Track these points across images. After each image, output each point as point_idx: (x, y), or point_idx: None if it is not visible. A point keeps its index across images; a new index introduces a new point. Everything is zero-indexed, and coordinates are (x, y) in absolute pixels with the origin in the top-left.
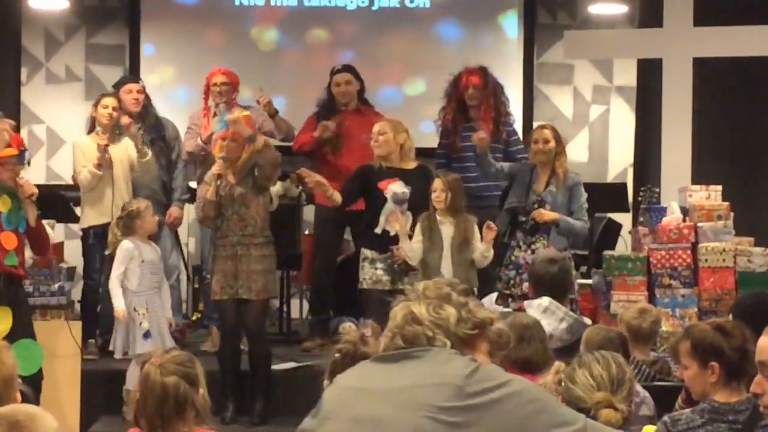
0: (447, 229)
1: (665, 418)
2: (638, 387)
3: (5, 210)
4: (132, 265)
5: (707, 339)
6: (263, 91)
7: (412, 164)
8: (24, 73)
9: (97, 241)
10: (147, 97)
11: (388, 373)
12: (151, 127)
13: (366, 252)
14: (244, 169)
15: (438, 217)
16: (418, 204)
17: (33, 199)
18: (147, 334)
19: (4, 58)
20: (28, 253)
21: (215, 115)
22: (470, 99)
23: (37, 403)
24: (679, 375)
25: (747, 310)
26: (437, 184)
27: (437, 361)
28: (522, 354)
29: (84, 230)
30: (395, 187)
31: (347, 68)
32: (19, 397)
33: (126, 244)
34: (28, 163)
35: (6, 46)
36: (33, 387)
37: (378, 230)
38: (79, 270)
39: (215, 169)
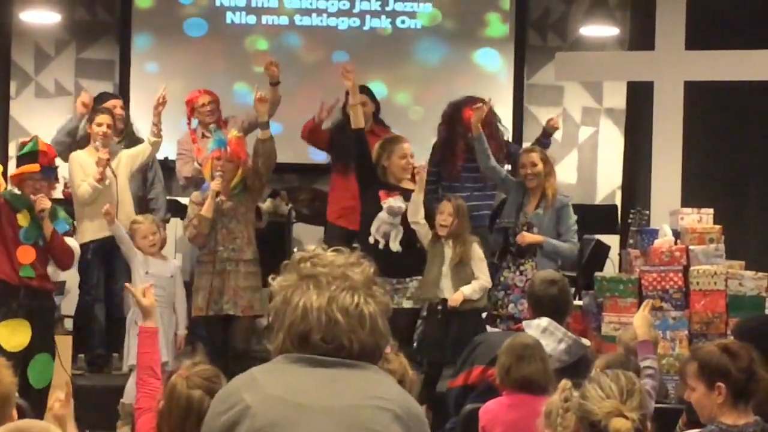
0: (447, 251)
1: None
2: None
3: (25, 224)
4: (136, 276)
5: (714, 360)
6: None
7: (411, 186)
8: (13, 86)
9: (95, 256)
10: (126, 114)
11: (324, 385)
12: (131, 144)
13: None
14: (236, 188)
15: (443, 240)
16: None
17: (44, 214)
18: None
19: None
20: (51, 269)
21: (204, 136)
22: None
23: (36, 416)
24: (686, 397)
25: (750, 333)
26: (445, 207)
27: (370, 378)
28: (522, 373)
29: (82, 245)
30: (393, 201)
31: (363, 89)
32: (15, 414)
33: (139, 254)
34: (56, 179)
35: None
36: (40, 401)
37: (371, 239)
38: (69, 285)
39: (214, 186)
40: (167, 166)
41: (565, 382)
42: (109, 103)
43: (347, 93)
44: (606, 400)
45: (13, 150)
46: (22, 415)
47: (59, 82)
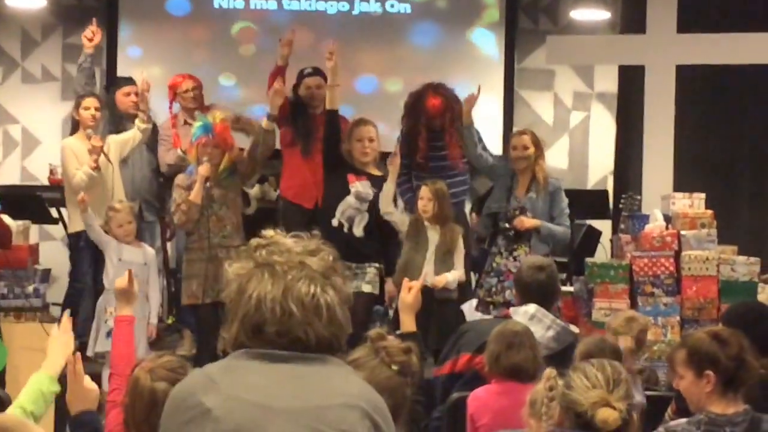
0: (433, 236)
1: (660, 429)
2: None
3: None
4: (109, 263)
5: (703, 347)
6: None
7: (378, 172)
8: (0, 72)
9: (87, 245)
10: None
11: (287, 384)
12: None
13: None
14: (223, 173)
15: (425, 223)
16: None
17: None
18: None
19: None
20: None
21: (185, 123)
22: (435, 120)
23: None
24: (675, 385)
25: (739, 319)
26: (424, 192)
27: (333, 374)
28: (511, 361)
29: (74, 234)
30: (361, 186)
31: (317, 71)
32: None
33: (112, 241)
34: None
35: None
36: None
37: (334, 221)
38: (55, 272)
39: (203, 171)
40: None
41: (550, 371)
42: (125, 89)
43: (300, 73)
44: (592, 389)
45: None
46: (2, 406)
47: (46, 67)
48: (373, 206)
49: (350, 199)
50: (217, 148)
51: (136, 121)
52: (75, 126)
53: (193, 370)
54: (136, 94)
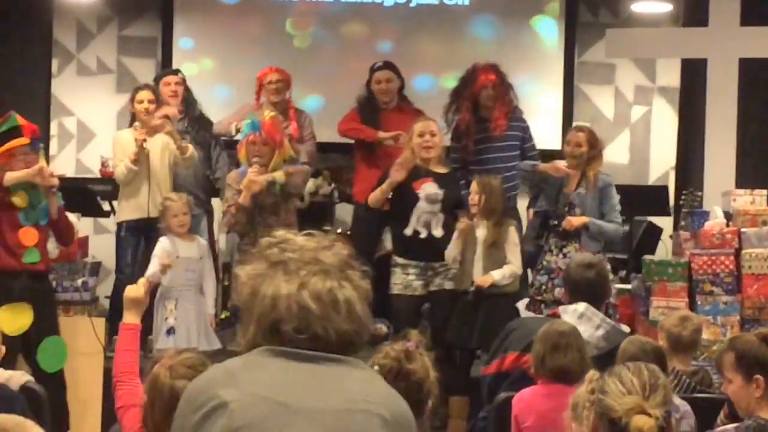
0: (481, 232)
1: None
2: (678, 400)
3: (23, 206)
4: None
5: (752, 351)
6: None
7: (444, 169)
8: (55, 64)
9: (129, 236)
10: (188, 90)
11: (309, 384)
12: (194, 121)
13: (396, 258)
14: (276, 170)
15: (475, 219)
16: (453, 209)
17: (54, 190)
18: (171, 331)
19: (35, 50)
20: (51, 245)
21: None
22: (486, 99)
23: (57, 402)
24: (723, 389)
25: None
26: (473, 186)
27: (359, 377)
28: (557, 363)
29: (118, 224)
30: (429, 188)
31: (388, 65)
32: None
33: (161, 241)
34: (44, 152)
35: (37, 38)
36: (57, 385)
37: (409, 230)
38: (106, 265)
39: (252, 174)
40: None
41: (593, 373)
42: (165, 80)
43: (371, 68)
44: (627, 395)
45: (55, 129)
46: (39, 401)
47: (101, 59)
48: (445, 203)
49: (422, 205)
50: (266, 145)
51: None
52: (132, 118)
53: (213, 365)
54: (177, 83)
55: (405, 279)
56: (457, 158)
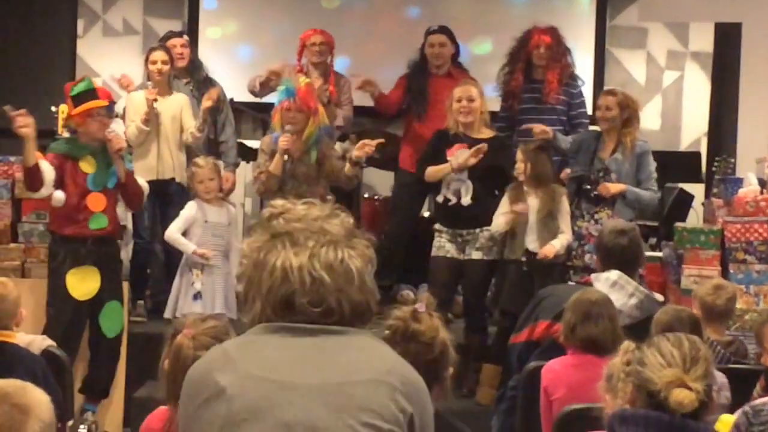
0: (533, 201)
1: (746, 407)
2: (715, 372)
3: (91, 171)
4: (194, 227)
5: None
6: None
7: (486, 134)
8: (80, 25)
9: (147, 199)
10: (193, 52)
11: (309, 358)
12: (201, 84)
13: (436, 225)
14: (309, 142)
15: (525, 188)
16: (494, 176)
17: (122, 153)
18: (197, 296)
19: (60, 10)
20: (121, 209)
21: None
22: (539, 59)
23: (108, 366)
24: (763, 360)
25: None
26: (518, 154)
27: (362, 346)
28: (588, 332)
29: None
30: (459, 155)
31: (443, 29)
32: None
33: (190, 205)
34: (117, 116)
35: None
36: (113, 350)
37: (440, 198)
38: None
39: (283, 143)
40: (234, 108)
41: (628, 344)
42: (171, 42)
43: (426, 32)
44: (667, 368)
45: None
46: (60, 365)
47: (127, 20)
48: (478, 173)
49: (451, 173)
50: (301, 112)
51: (194, 126)
52: (147, 79)
53: (213, 347)
54: (182, 45)
55: (440, 242)
56: (505, 117)
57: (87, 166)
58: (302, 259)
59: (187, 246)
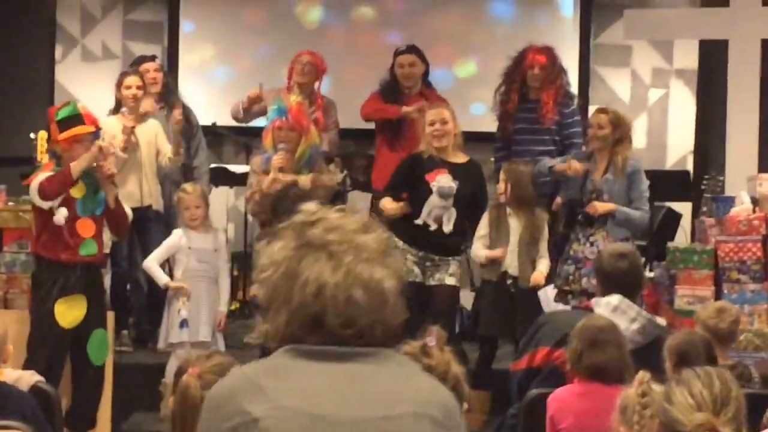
0: (514, 223)
1: None
2: None
3: (80, 196)
4: (179, 254)
5: None
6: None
7: (461, 158)
8: (59, 50)
9: None
10: (166, 77)
11: (345, 388)
12: (173, 109)
13: (397, 241)
14: (301, 161)
15: (507, 209)
16: (468, 202)
17: (113, 179)
18: (184, 323)
19: (38, 35)
20: (106, 236)
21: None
22: (533, 80)
23: (93, 396)
24: None
25: None
26: (501, 174)
27: (399, 374)
28: (595, 360)
29: None
30: (442, 180)
31: (412, 49)
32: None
33: (175, 233)
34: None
35: (40, 23)
36: (99, 378)
37: (419, 221)
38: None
39: (278, 161)
40: (216, 132)
41: (643, 374)
42: (144, 67)
43: (395, 52)
44: (696, 411)
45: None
46: (49, 401)
47: (106, 44)
48: (458, 199)
49: (434, 199)
50: (293, 131)
51: (168, 155)
52: (117, 105)
53: (234, 369)
54: (155, 70)
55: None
56: (501, 139)
57: (76, 191)
58: (338, 276)
59: (161, 278)
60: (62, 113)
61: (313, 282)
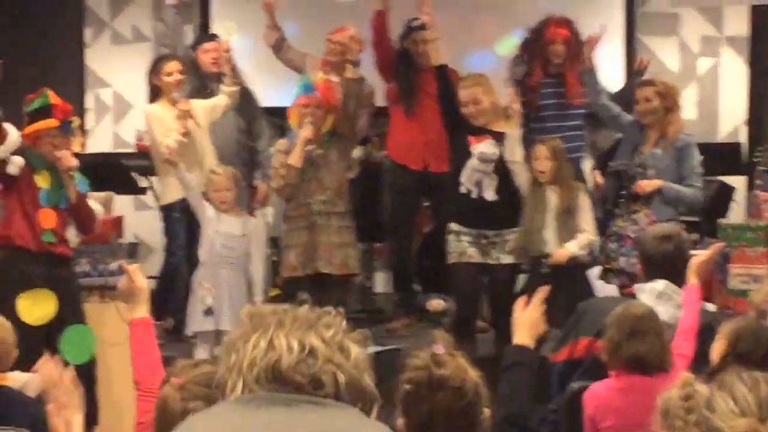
0: (551, 198)
1: None
2: None
3: (45, 186)
4: (207, 227)
5: None
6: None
7: (501, 128)
8: (88, 33)
9: (183, 215)
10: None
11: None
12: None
13: (451, 225)
14: (327, 135)
15: (543, 185)
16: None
17: (72, 173)
18: (208, 311)
19: (66, 19)
20: (71, 234)
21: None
22: (555, 55)
23: (85, 399)
24: None
25: None
26: (540, 151)
27: (344, 424)
28: (634, 351)
29: (166, 206)
30: (484, 147)
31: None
32: None
33: (209, 209)
34: (82, 131)
35: (68, 6)
36: (86, 377)
37: (462, 189)
38: (150, 243)
39: (304, 133)
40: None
41: (687, 376)
42: (204, 47)
43: (408, 25)
44: (740, 417)
45: (90, 101)
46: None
47: (136, 26)
48: (502, 167)
49: (474, 163)
50: (320, 108)
51: (221, 85)
52: (155, 92)
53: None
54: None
55: (459, 246)
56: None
57: (42, 181)
58: (290, 330)
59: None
60: (33, 105)
61: (264, 339)
